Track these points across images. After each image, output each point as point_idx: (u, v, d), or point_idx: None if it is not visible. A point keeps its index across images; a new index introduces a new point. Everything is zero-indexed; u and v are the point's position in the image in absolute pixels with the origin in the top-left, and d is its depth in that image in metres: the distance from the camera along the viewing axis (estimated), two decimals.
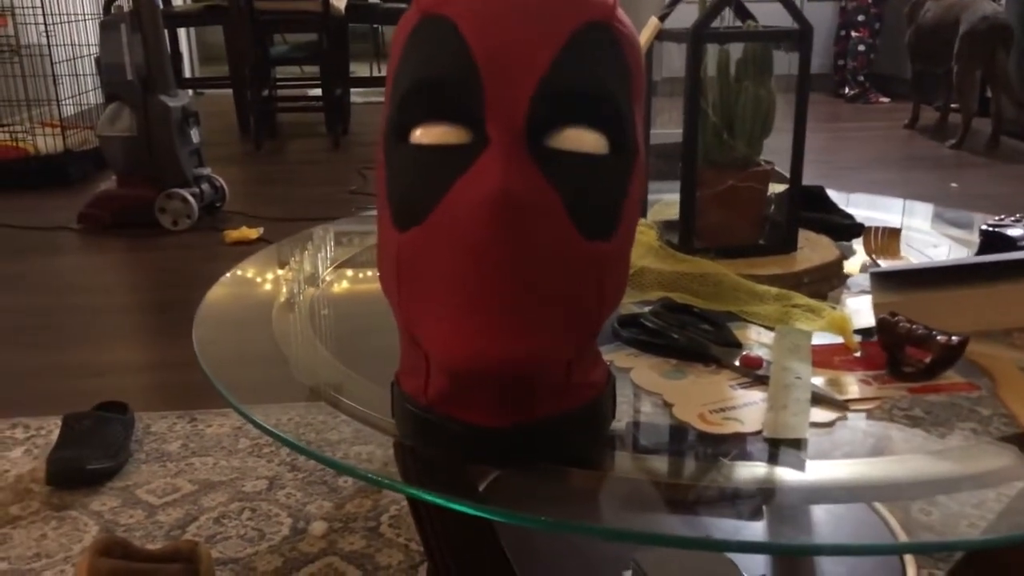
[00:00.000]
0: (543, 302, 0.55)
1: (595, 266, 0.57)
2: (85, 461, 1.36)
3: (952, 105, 4.34)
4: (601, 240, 0.57)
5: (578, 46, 0.55)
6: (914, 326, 0.73)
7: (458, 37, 0.55)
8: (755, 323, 0.83)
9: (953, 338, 0.71)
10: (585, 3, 0.56)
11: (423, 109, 0.56)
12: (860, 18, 5.23)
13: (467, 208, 0.53)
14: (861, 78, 5.29)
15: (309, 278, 1.04)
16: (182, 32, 5.67)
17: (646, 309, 0.83)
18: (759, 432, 0.65)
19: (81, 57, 3.78)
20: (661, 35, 0.97)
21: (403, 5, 4.55)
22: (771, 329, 0.82)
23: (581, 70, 0.55)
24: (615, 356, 0.78)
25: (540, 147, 0.55)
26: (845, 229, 1.09)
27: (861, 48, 5.27)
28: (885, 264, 1.00)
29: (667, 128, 1.14)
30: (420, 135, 0.57)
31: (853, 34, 5.29)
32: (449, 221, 0.54)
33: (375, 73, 6.51)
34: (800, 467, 0.61)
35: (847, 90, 5.34)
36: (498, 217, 0.52)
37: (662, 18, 0.96)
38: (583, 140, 0.56)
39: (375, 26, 6.97)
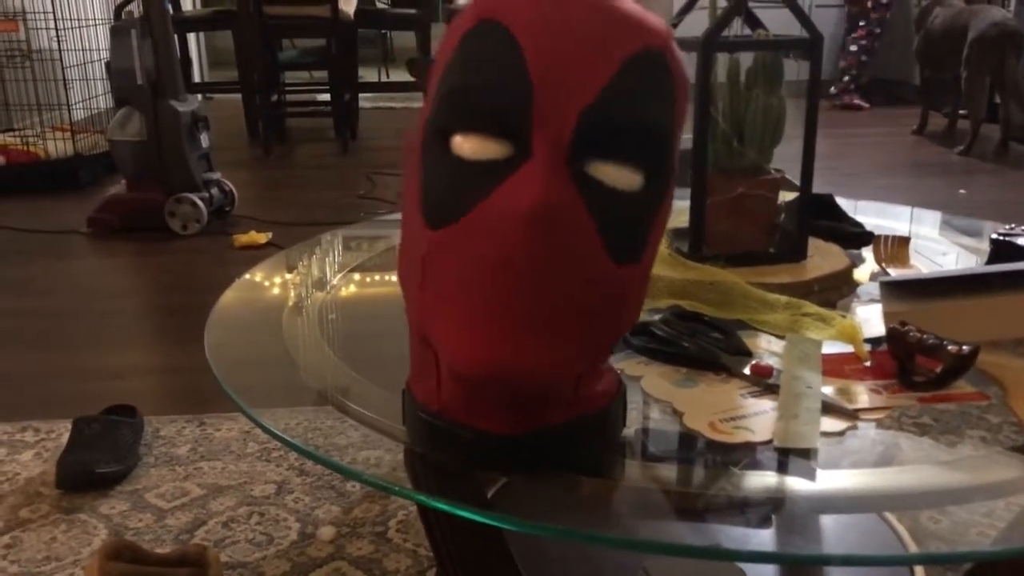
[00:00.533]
0: (564, 319, 0.55)
1: (620, 289, 0.57)
2: (95, 464, 1.37)
3: (961, 111, 4.33)
4: (629, 264, 0.57)
5: (631, 73, 0.55)
6: (924, 335, 0.73)
7: (514, 46, 0.55)
8: (765, 332, 0.83)
9: (964, 347, 0.71)
10: (642, 29, 0.56)
11: (470, 115, 0.56)
12: (861, 23, 5.22)
13: (504, 215, 0.53)
14: (847, 78, 5.27)
15: (318, 283, 1.05)
16: (192, 37, 5.69)
17: (656, 317, 0.83)
18: (769, 441, 0.65)
19: (91, 62, 3.80)
20: None
21: (411, 11, 4.57)
22: (781, 338, 0.82)
23: (630, 100, 0.55)
24: (625, 364, 0.78)
25: (580, 171, 0.55)
26: (855, 237, 1.09)
27: (853, 48, 5.26)
28: (895, 273, 1.00)
29: None
30: (461, 143, 0.56)
31: (851, 35, 5.28)
32: (484, 225, 0.54)
33: (384, 78, 6.53)
34: (810, 476, 0.61)
35: (832, 89, 5.33)
36: (534, 228, 0.52)
37: (672, 27, 0.96)
38: (624, 172, 0.56)
39: (384, 31, 6.99)
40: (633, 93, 0.55)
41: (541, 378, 0.54)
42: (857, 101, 5.27)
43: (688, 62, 0.92)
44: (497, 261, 0.53)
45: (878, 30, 5.21)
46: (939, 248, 1.13)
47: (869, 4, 5.17)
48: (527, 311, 0.53)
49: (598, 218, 0.55)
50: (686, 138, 0.95)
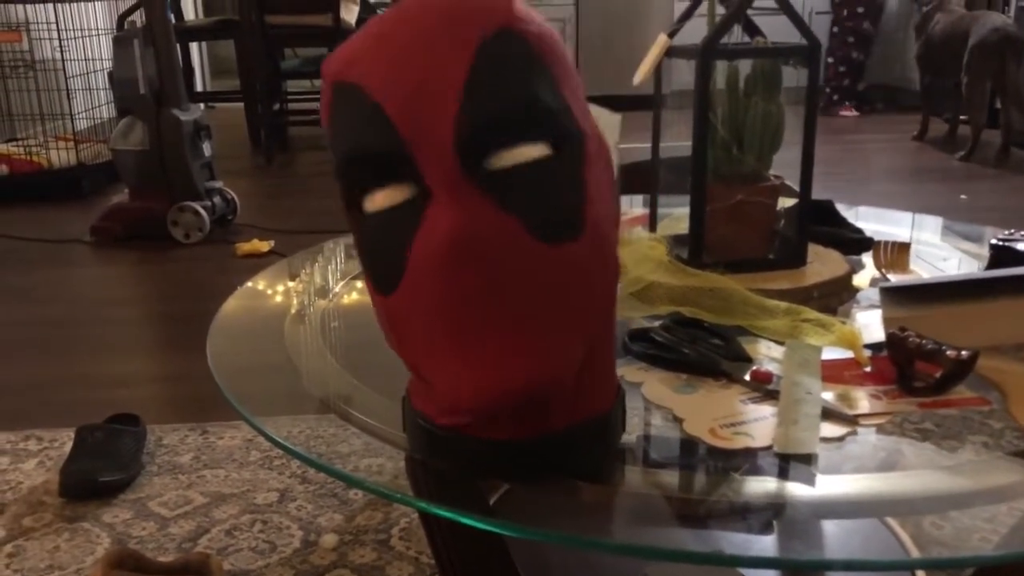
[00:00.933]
0: (531, 321, 0.54)
1: (573, 267, 0.56)
2: (98, 473, 1.37)
3: (961, 117, 4.34)
4: (571, 240, 0.56)
5: (483, 66, 0.54)
6: (924, 341, 0.73)
7: (367, 100, 0.55)
8: (765, 337, 0.83)
9: (963, 353, 0.71)
10: (480, 16, 0.55)
11: (361, 179, 0.57)
12: (850, 39, 5.21)
13: (428, 263, 0.54)
14: (828, 90, 5.26)
15: (320, 291, 1.05)
16: (194, 46, 5.71)
17: (656, 323, 0.84)
18: (769, 447, 0.65)
19: (94, 72, 3.81)
20: (670, 51, 0.97)
21: None
22: (781, 343, 0.82)
23: (493, 89, 0.54)
24: (625, 370, 0.78)
25: (482, 173, 0.54)
26: (855, 243, 1.09)
27: (830, 60, 5.25)
28: (895, 278, 1.00)
29: (677, 141, 1.15)
30: (369, 203, 0.57)
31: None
32: (420, 278, 0.55)
33: None
34: (811, 482, 0.61)
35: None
36: (455, 260, 0.52)
37: (671, 35, 0.97)
38: (522, 153, 0.55)
39: None
40: (494, 80, 0.54)
41: (537, 384, 0.54)
42: (844, 112, 5.26)
43: (687, 68, 0.92)
44: (443, 303, 0.54)
45: (851, 39, 5.19)
46: (939, 253, 1.13)
47: (844, 13, 5.17)
48: (491, 331, 0.54)
49: (518, 212, 0.54)
50: (685, 145, 0.95)
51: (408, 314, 0.57)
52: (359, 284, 1.09)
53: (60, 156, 3.49)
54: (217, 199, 2.90)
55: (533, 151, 0.55)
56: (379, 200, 0.57)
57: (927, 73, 4.37)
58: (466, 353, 0.54)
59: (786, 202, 1.00)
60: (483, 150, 0.54)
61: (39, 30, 3.58)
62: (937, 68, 4.27)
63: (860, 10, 5.13)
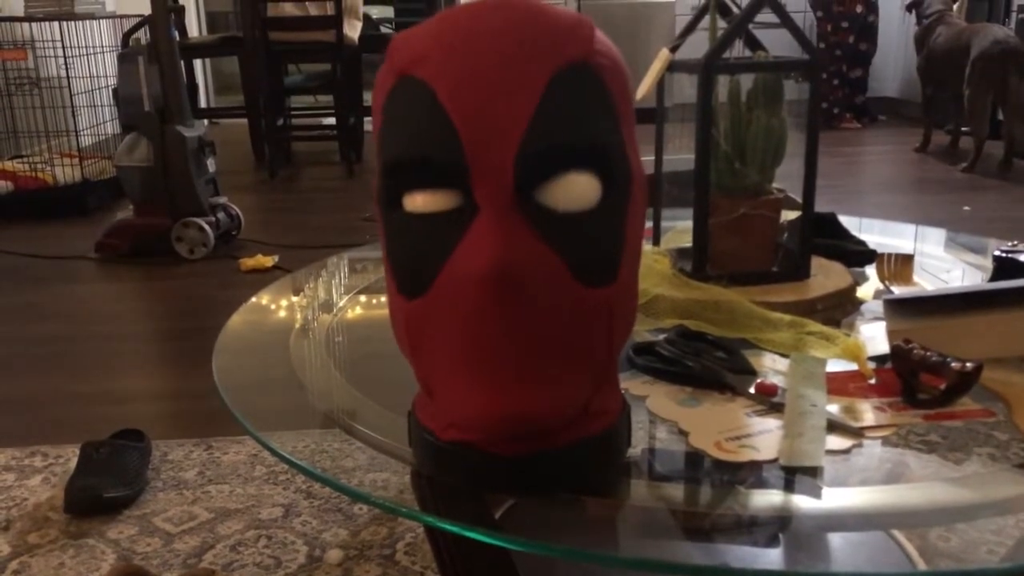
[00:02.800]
0: (553, 357, 0.55)
1: (601, 311, 0.57)
2: (103, 489, 1.37)
3: (963, 129, 4.34)
4: (605, 286, 0.57)
5: (556, 95, 0.54)
6: (928, 353, 0.73)
7: (435, 103, 0.54)
8: (769, 350, 0.84)
9: (967, 365, 0.71)
10: (560, 45, 0.55)
11: (410, 178, 0.56)
12: (837, 52, 5.22)
13: (465, 280, 0.53)
14: (825, 105, 5.27)
15: (325, 306, 1.05)
16: (198, 63, 5.74)
17: (661, 337, 0.84)
18: (775, 460, 0.65)
19: (99, 88, 3.84)
20: (672, 66, 0.98)
21: None
22: (785, 356, 0.82)
23: (563, 119, 0.54)
24: (630, 384, 0.78)
25: (532, 205, 0.55)
26: (858, 255, 1.09)
27: (823, 76, 5.26)
28: (898, 290, 1.00)
29: (679, 154, 1.15)
30: (410, 203, 0.57)
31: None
32: (451, 292, 0.55)
33: None
34: (816, 494, 0.61)
35: None
36: (497, 288, 0.52)
37: (673, 49, 0.98)
38: (575, 187, 0.55)
39: None
40: (563, 111, 0.54)
41: (546, 416, 0.55)
42: (846, 125, 5.27)
43: (689, 82, 0.93)
44: (471, 323, 0.54)
45: (838, 52, 5.20)
46: (943, 265, 1.13)
47: (829, 27, 5.18)
48: (514, 362, 0.54)
49: (560, 249, 0.54)
50: (688, 158, 0.96)
51: (429, 322, 0.56)
52: (363, 299, 1.09)
53: (65, 173, 3.50)
54: (221, 215, 2.91)
55: (584, 182, 0.55)
56: (422, 202, 0.56)
57: (928, 85, 4.38)
58: (481, 374, 0.54)
59: (789, 215, 1.01)
60: (539, 177, 0.54)
61: (44, 48, 3.61)
62: (939, 80, 4.28)
63: (845, 25, 5.14)
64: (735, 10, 0.99)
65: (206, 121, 3.84)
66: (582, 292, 0.55)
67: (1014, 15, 4.43)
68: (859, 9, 5.11)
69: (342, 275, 1.19)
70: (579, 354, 0.56)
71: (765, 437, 0.68)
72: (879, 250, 1.10)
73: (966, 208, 3.29)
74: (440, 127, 0.54)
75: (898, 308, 0.84)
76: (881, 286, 1.03)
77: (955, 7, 4.37)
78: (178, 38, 3.27)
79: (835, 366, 0.80)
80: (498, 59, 0.54)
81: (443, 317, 0.55)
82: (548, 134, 0.54)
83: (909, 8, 4.55)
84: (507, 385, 0.54)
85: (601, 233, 0.56)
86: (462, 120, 0.53)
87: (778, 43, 0.96)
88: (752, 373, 0.77)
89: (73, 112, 3.56)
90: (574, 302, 0.55)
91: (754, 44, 0.99)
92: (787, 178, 1.00)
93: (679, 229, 1.13)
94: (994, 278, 0.97)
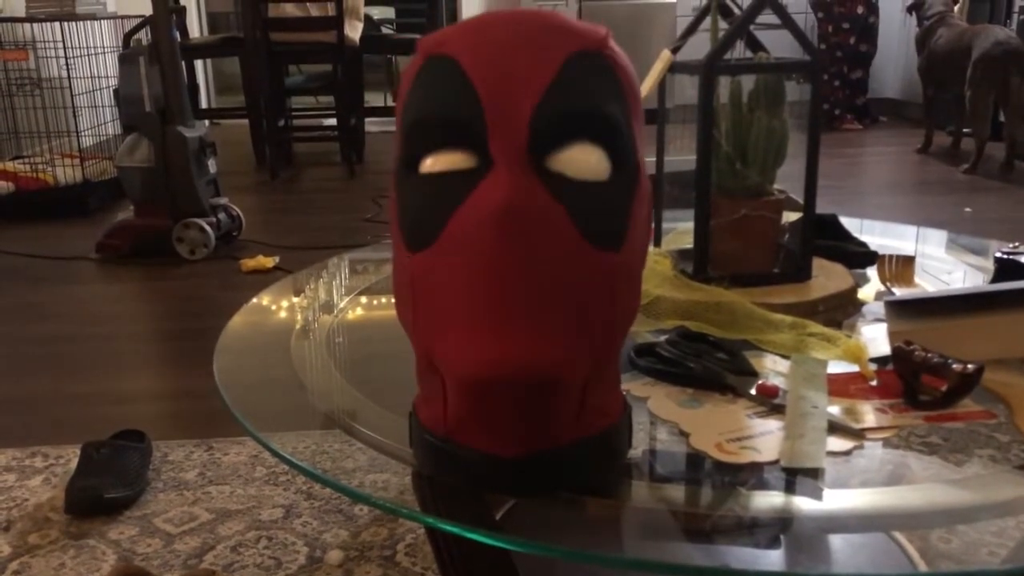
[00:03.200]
0: (557, 308, 0.56)
1: (606, 275, 0.58)
2: (103, 490, 1.37)
3: (965, 130, 4.35)
4: (610, 250, 0.58)
5: (572, 71, 0.58)
6: (929, 354, 0.73)
7: (459, 72, 0.58)
8: (770, 352, 0.84)
9: (969, 366, 0.71)
10: (577, 33, 0.59)
11: (430, 140, 0.59)
12: (838, 53, 5.22)
13: (475, 224, 0.55)
14: (826, 106, 5.27)
15: (326, 307, 1.05)
16: (199, 64, 5.75)
17: (662, 338, 0.84)
18: (776, 461, 0.65)
19: (100, 89, 3.84)
20: (673, 67, 0.98)
21: (416, 37, 4.61)
22: (787, 358, 0.82)
23: (576, 91, 0.58)
24: (631, 385, 0.78)
25: (543, 168, 0.57)
26: (859, 257, 1.09)
27: (824, 77, 5.25)
28: (900, 292, 1.00)
29: (680, 155, 1.15)
30: (429, 164, 0.59)
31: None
32: (459, 238, 0.56)
33: (389, 103, 6.56)
34: (817, 496, 0.61)
35: None
36: (506, 229, 0.54)
37: (674, 51, 0.98)
38: (585, 158, 0.58)
39: (389, 56, 7.04)
40: (579, 85, 0.58)
41: (548, 369, 0.55)
42: (847, 126, 5.27)
43: (690, 83, 0.93)
44: (479, 267, 0.55)
45: (839, 54, 5.20)
46: (944, 267, 1.13)
47: (829, 28, 5.18)
48: (520, 307, 0.55)
49: (568, 206, 0.57)
50: (689, 160, 0.96)
51: (434, 274, 0.58)
52: (364, 300, 1.09)
53: (66, 173, 3.51)
54: (222, 215, 2.91)
55: (595, 157, 0.58)
56: (439, 163, 0.59)
57: (930, 86, 4.39)
58: (489, 320, 0.55)
59: (790, 216, 1.01)
60: (551, 144, 0.57)
61: (45, 48, 3.61)
62: (940, 81, 4.28)
63: (845, 26, 5.14)
64: (736, 11, 0.99)
65: (207, 122, 3.84)
66: (588, 250, 0.57)
67: (1015, 16, 4.43)
68: (860, 10, 5.11)
69: (343, 276, 1.19)
70: (580, 316, 0.57)
71: (766, 438, 0.68)
72: (880, 251, 1.10)
73: (967, 210, 3.29)
74: (462, 89, 0.58)
75: (899, 310, 0.84)
76: (882, 287, 1.03)
77: (956, 8, 4.37)
78: (179, 39, 3.27)
79: (836, 367, 0.80)
80: (519, 39, 0.58)
81: (450, 266, 0.57)
82: (563, 101, 0.57)
83: (910, 9, 4.55)
84: (509, 330, 0.55)
85: (608, 203, 0.59)
86: (483, 84, 0.57)
87: (779, 44, 0.96)
88: (753, 374, 0.77)
89: (74, 112, 3.56)
90: (579, 259, 0.57)
91: (755, 45, 0.99)
92: (788, 179, 1.00)
93: (680, 230, 1.13)
94: (995, 280, 0.97)
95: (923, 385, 0.74)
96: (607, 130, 0.59)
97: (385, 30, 5.40)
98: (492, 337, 0.55)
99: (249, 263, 2.70)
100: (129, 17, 3.99)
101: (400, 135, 0.62)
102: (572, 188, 0.57)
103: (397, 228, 0.62)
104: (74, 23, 3.63)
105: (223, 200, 2.95)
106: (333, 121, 4.40)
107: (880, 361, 0.80)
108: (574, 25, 0.60)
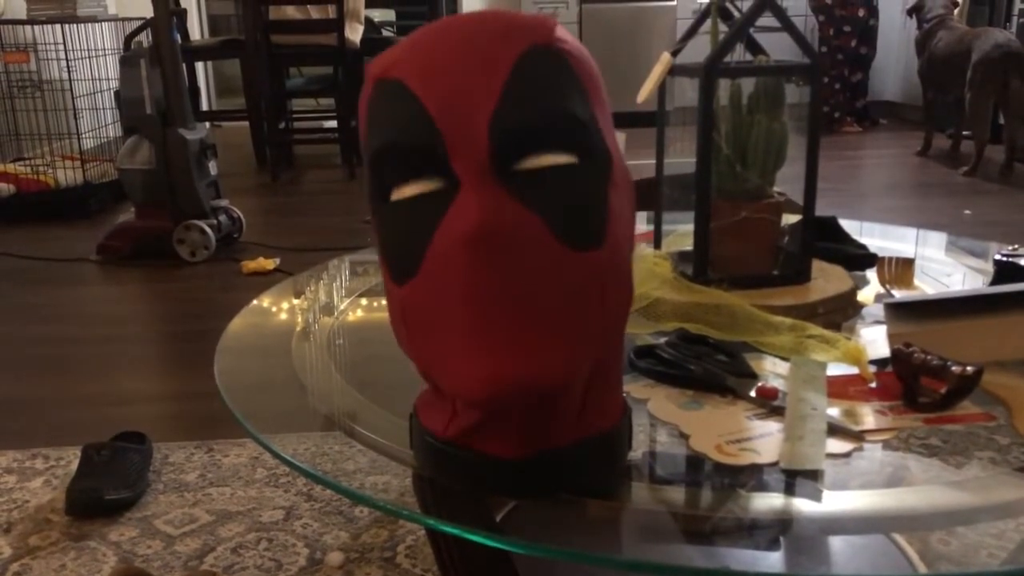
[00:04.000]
0: (547, 317, 0.55)
1: (592, 274, 0.57)
2: (104, 491, 1.37)
3: (964, 132, 4.35)
4: (592, 248, 0.57)
5: (522, 73, 0.56)
6: (929, 356, 0.73)
7: (408, 94, 0.57)
8: (770, 354, 0.84)
9: (968, 368, 0.71)
10: (523, 29, 0.57)
11: (394, 170, 0.58)
12: (839, 56, 5.22)
13: (451, 249, 0.55)
14: (826, 109, 5.27)
15: (326, 308, 1.06)
16: (200, 66, 5.76)
17: (662, 340, 0.84)
18: (775, 463, 0.65)
19: (101, 91, 3.84)
20: (673, 70, 0.98)
21: None
22: (786, 360, 0.82)
23: (529, 96, 0.56)
24: (632, 387, 0.78)
25: (510, 174, 0.56)
26: (859, 259, 1.09)
27: (824, 79, 5.25)
28: (899, 294, 1.00)
29: (680, 157, 1.15)
30: (398, 193, 0.59)
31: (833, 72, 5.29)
32: (439, 266, 0.56)
33: None
34: (817, 498, 0.61)
35: None
36: (480, 251, 0.54)
37: (674, 53, 0.98)
38: (553, 161, 0.57)
39: None
40: (532, 87, 0.56)
41: (544, 381, 0.55)
42: (847, 128, 5.27)
43: (690, 85, 0.93)
44: (462, 291, 0.55)
45: (840, 56, 5.20)
46: (943, 269, 1.13)
47: (831, 31, 5.18)
48: (509, 323, 0.54)
49: (542, 212, 0.56)
50: (689, 162, 0.96)
51: (422, 304, 0.57)
52: (364, 301, 1.09)
53: (67, 175, 3.51)
54: (223, 217, 2.91)
55: (560, 159, 0.57)
56: (408, 190, 0.58)
57: (929, 89, 4.39)
58: (476, 342, 0.55)
59: (790, 218, 1.01)
60: (514, 152, 0.56)
61: (46, 51, 3.62)
62: (940, 84, 4.28)
63: (847, 29, 5.14)
64: (736, 14, 0.99)
65: (208, 124, 3.85)
66: (568, 254, 0.56)
67: (1015, 19, 4.43)
68: (861, 13, 5.11)
69: (343, 278, 1.19)
70: (572, 320, 0.56)
71: (766, 440, 0.68)
72: (880, 254, 1.10)
73: (967, 212, 3.30)
74: (413, 113, 0.56)
75: (899, 312, 0.84)
76: (882, 290, 1.03)
77: (956, 11, 4.38)
78: (180, 41, 3.28)
79: (836, 370, 0.80)
80: (465, 45, 0.56)
81: (435, 293, 0.56)
82: (518, 107, 0.56)
83: (910, 12, 4.56)
84: (503, 349, 0.54)
85: (579, 193, 0.58)
86: (434, 102, 0.56)
87: (779, 47, 0.96)
88: (753, 376, 0.77)
89: (75, 115, 3.57)
90: (560, 265, 0.56)
91: (755, 48, 1.00)
92: (788, 182, 1.01)
93: (680, 232, 1.13)
94: (995, 282, 0.97)
95: (922, 387, 0.74)
96: (570, 131, 0.57)
97: (386, 32, 5.41)
98: (488, 358, 0.54)
99: (250, 265, 2.70)
100: (130, 19, 4.00)
101: (366, 167, 0.61)
102: (542, 186, 0.56)
103: (383, 260, 0.61)
104: (75, 25, 3.63)
105: (224, 202, 2.96)
106: (334, 123, 4.40)
107: (879, 363, 0.81)
108: (519, 20, 0.58)
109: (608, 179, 0.59)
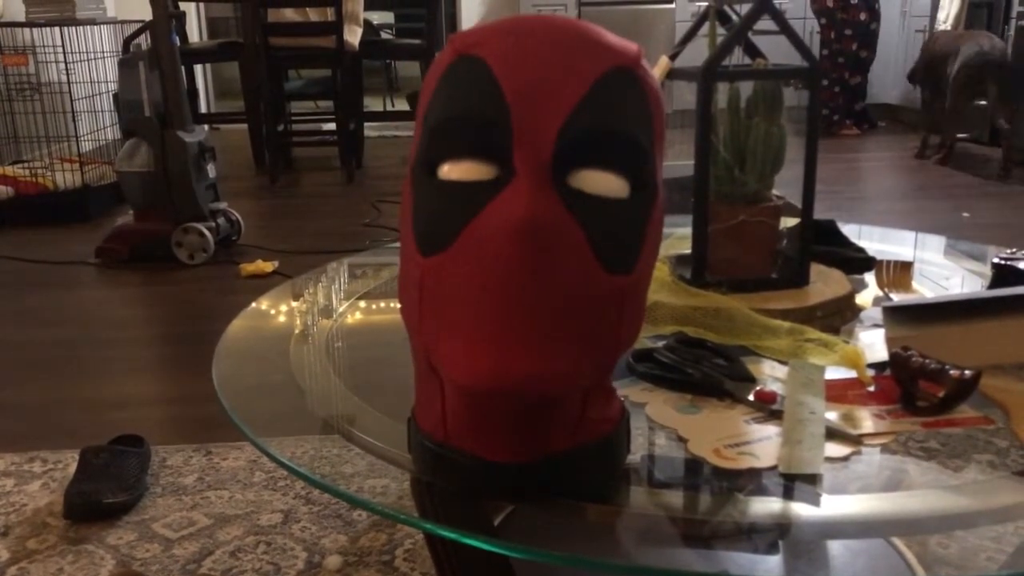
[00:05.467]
0: (564, 328, 0.56)
1: (615, 298, 0.58)
2: (102, 495, 1.37)
3: (959, 135, 4.35)
4: (622, 274, 0.58)
5: (603, 89, 0.57)
6: (927, 360, 0.73)
7: (489, 76, 0.57)
8: (768, 357, 0.84)
9: (966, 372, 0.71)
10: (611, 50, 0.59)
11: (453, 143, 0.58)
12: (840, 59, 5.23)
13: (494, 233, 0.55)
14: (826, 111, 5.28)
15: (325, 311, 1.06)
16: (199, 68, 5.75)
17: (660, 344, 0.84)
18: (774, 467, 0.65)
19: (100, 94, 3.84)
20: (672, 73, 0.98)
21: (415, 42, 4.62)
22: (785, 363, 0.82)
23: (606, 111, 0.57)
24: (630, 391, 0.78)
25: (564, 185, 0.57)
26: (857, 262, 1.10)
27: (824, 82, 5.26)
28: (897, 298, 1.00)
29: (679, 160, 1.15)
30: (448, 170, 0.59)
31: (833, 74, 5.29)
32: (475, 246, 0.56)
33: (388, 107, 6.58)
34: (815, 502, 0.61)
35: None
36: (524, 242, 0.54)
37: (673, 56, 0.98)
38: (606, 181, 0.58)
39: (388, 61, 7.05)
40: (608, 106, 0.57)
41: (548, 385, 0.55)
42: (846, 131, 5.27)
43: (689, 89, 0.93)
44: (492, 277, 0.55)
45: (841, 60, 5.20)
46: (942, 272, 1.13)
47: (832, 35, 5.19)
48: (528, 322, 0.55)
49: (586, 228, 0.57)
50: (687, 164, 0.96)
51: (446, 279, 0.57)
52: (363, 305, 1.09)
53: (65, 178, 3.51)
54: (221, 220, 2.91)
55: (615, 184, 0.58)
56: (459, 171, 0.58)
57: (926, 90, 4.39)
58: (496, 331, 0.55)
59: (788, 222, 1.01)
60: (575, 160, 0.57)
61: (45, 53, 3.61)
62: (933, 85, 4.29)
63: (848, 32, 5.15)
64: (735, 17, 0.99)
65: (206, 126, 3.84)
66: (600, 274, 0.57)
67: (1013, 22, 4.44)
68: (863, 16, 5.12)
69: (342, 281, 1.19)
70: (587, 334, 0.57)
71: (764, 444, 0.68)
72: (878, 257, 1.10)
73: (965, 215, 3.30)
74: (491, 94, 0.57)
75: (897, 315, 0.84)
76: (880, 293, 1.03)
77: (955, 14, 4.39)
78: (179, 43, 3.28)
79: (834, 373, 0.80)
80: (555, 47, 0.58)
81: (462, 272, 0.56)
82: (592, 121, 0.57)
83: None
84: (515, 344, 0.54)
85: (625, 224, 0.59)
86: (513, 92, 0.56)
87: (777, 50, 0.96)
88: (751, 380, 0.77)
89: (74, 117, 3.56)
90: (591, 282, 0.57)
91: (753, 51, 1.00)
92: (786, 185, 1.01)
93: (678, 236, 1.13)
94: (993, 285, 0.97)
95: (921, 391, 0.74)
96: (632, 157, 0.58)
97: (384, 35, 5.41)
98: (496, 348, 0.54)
99: (248, 268, 2.70)
100: (129, 22, 4.00)
101: (421, 134, 0.61)
102: (591, 207, 0.57)
103: (409, 229, 0.61)
104: (74, 28, 3.63)
105: (222, 205, 2.96)
106: (332, 126, 4.40)
107: (878, 367, 0.81)
108: (609, 40, 0.59)
109: (651, 214, 0.61)
